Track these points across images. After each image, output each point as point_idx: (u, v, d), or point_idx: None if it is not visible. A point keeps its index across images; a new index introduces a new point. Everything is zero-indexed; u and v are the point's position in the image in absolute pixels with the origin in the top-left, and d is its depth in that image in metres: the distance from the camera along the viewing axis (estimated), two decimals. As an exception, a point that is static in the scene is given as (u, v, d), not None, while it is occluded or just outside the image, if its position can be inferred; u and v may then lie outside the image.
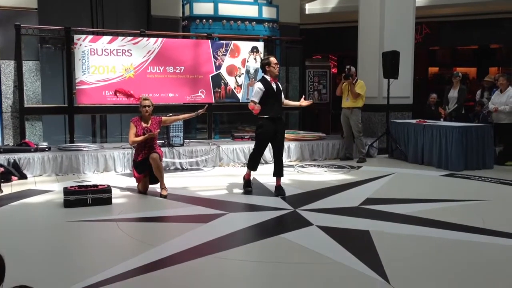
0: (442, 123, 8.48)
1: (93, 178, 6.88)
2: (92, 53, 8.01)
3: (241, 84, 9.13)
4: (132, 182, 6.27)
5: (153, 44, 8.40)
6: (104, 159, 7.37)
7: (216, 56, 8.87)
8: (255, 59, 9.16)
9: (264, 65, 5.88)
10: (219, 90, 8.97)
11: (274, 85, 5.82)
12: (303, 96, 6.57)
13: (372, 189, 6.19)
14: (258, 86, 5.78)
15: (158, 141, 6.19)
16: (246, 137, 8.77)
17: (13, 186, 6.37)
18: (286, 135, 6.72)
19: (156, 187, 5.95)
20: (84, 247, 4.13)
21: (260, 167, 6.18)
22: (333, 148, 8.84)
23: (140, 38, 8.41)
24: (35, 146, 7.40)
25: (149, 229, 4.68)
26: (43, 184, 6.52)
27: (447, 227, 4.48)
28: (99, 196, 5.33)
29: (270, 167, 6.21)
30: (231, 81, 9.04)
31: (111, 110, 8.56)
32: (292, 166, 7.94)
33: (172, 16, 10.03)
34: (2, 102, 8.14)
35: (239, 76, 9.11)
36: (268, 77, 5.82)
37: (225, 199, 5.72)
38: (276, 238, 4.22)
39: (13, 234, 4.39)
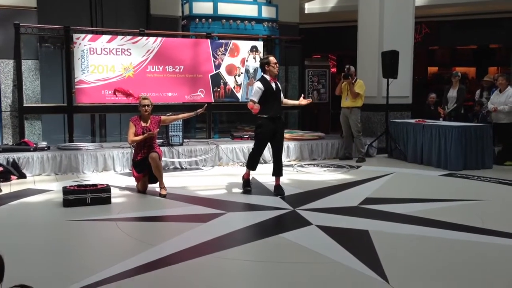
0: (441, 122, 8.48)
1: (92, 177, 6.87)
2: (92, 52, 8.00)
3: (241, 84, 9.13)
4: (131, 182, 6.27)
5: (152, 43, 8.40)
6: (103, 159, 7.37)
7: (216, 55, 8.87)
8: (254, 58, 9.16)
9: (264, 64, 5.88)
10: (219, 89, 8.97)
11: (273, 85, 5.83)
12: (302, 95, 6.57)
13: (371, 189, 6.19)
14: (258, 85, 5.78)
15: (157, 141, 6.19)
16: (245, 136, 8.77)
17: (12, 186, 6.37)
18: (286, 135, 6.72)
19: (155, 186, 5.95)
20: (83, 246, 4.12)
21: (259, 166, 6.18)
22: (333, 147, 8.84)
23: (140, 38, 8.41)
24: (34, 145, 7.40)
25: (148, 229, 4.68)
26: (42, 184, 6.52)
27: (446, 226, 4.49)
28: (98, 195, 5.32)
29: (270, 167, 6.21)
30: (230, 81, 9.04)
31: (111, 109, 8.55)
32: (291, 165, 7.94)
33: (172, 15, 10.03)
34: (1, 101, 8.14)
35: (239, 75, 9.11)
36: (267, 77, 5.82)
37: (224, 199, 5.72)
38: (275, 238, 4.22)
39: (12, 233, 4.39)
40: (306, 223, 4.63)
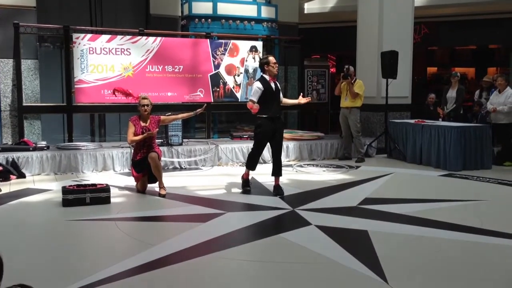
0: (441, 123, 8.49)
1: (91, 177, 6.87)
2: (91, 52, 8.00)
3: (240, 84, 9.13)
4: (131, 181, 6.27)
5: (152, 43, 8.39)
6: (102, 158, 7.37)
7: (215, 55, 8.87)
8: (254, 58, 9.17)
9: (263, 64, 5.88)
10: (218, 89, 8.97)
11: (273, 85, 5.83)
12: (301, 94, 6.58)
13: (371, 189, 6.20)
14: (257, 85, 5.78)
15: (156, 140, 6.19)
16: (244, 136, 8.78)
17: (12, 185, 6.37)
18: (285, 135, 6.73)
19: (154, 186, 5.95)
20: (83, 246, 4.13)
21: (258, 166, 6.18)
22: (332, 147, 8.85)
23: (139, 37, 8.40)
24: (34, 145, 7.40)
25: (147, 228, 4.68)
26: (41, 183, 6.52)
27: (445, 227, 4.49)
28: (98, 195, 5.32)
29: (269, 167, 6.22)
30: (230, 81, 9.05)
31: (110, 109, 8.55)
32: (290, 165, 7.95)
33: (171, 15, 10.03)
34: (1, 101, 8.14)
35: (238, 75, 9.11)
36: (267, 77, 5.82)
37: (224, 199, 5.72)
38: (275, 238, 4.22)
39: (11, 233, 4.39)
40: (305, 223, 4.63)
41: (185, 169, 7.72)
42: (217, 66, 8.91)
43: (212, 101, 8.85)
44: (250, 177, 6.14)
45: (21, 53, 8.06)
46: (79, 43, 7.94)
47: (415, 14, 9.67)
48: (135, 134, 5.85)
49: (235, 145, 8.21)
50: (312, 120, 11.07)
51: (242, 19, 9.94)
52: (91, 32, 8.44)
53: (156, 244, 4.00)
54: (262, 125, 5.77)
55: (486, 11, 11.87)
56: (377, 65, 9.14)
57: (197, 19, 9.72)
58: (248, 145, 7.27)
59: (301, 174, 7.37)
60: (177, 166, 7.76)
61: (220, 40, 9.05)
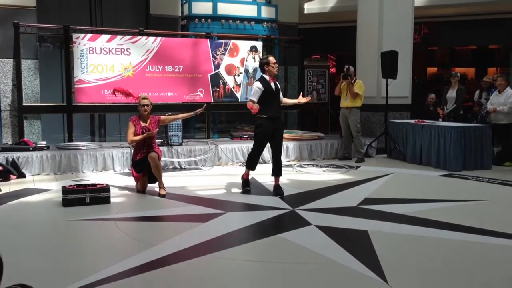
0: (441, 123, 8.49)
1: (91, 177, 6.87)
2: (91, 52, 8.00)
3: (240, 84, 9.13)
4: (131, 181, 6.27)
5: (152, 43, 8.40)
6: (102, 158, 7.37)
7: (215, 55, 8.87)
8: (253, 58, 9.17)
9: (263, 64, 5.88)
10: (218, 89, 8.97)
11: (273, 85, 5.83)
12: (301, 93, 6.58)
13: (371, 189, 6.20)
14: (257, 85, 5.79)
15: (156, 140, 6.19)
16: (244, 136, 8.78)
17: (12, 185, 6.37)
18: (285, 135, 6.73)
19: (154, 186, 5.95)
20: (83, 246, 4.13)
21: (258, 166, 6.18)
22: (332, 148, 8.85)
23: (139, 37, 8.40)
24: (34, 144, 7.40)
25: (147, 228, 4.68)
26: (41, 183, 6.52)
27: (445, 227, 4.49)
28: (98, 195, 5.32)
29: (269, 167, 6.22)
30: (230, 81, 9.05)
31: (110, 109, 8.55)
32: (290, 165, 7.95)
33: (171, 15, 10.04)
34: (1, 101, 8.14)
35: (238, 75, 9.11)
36: (267, 77, 5.82)
37: (224, 199, 5.72)
38: (275, 238, 4.22)
39: (11, 232, 4.39)
40: (305, 223, 4.63)
41: (185, 169, 7.72)
42: (217, 66, 8.91)
43: (212, 101, 8.86)
44: (250, 177, 6.14)
45: (21, 53, 8.06)
46: (79, 43, 7.94)
47: (415, 14, 9.67)
48: (135, 134, 5.85)
49: (235, 145, 8.21)
50: (312, 120, 11.07)
51: (242, 19, 9.95)
52: (91, 32, 8.45)
53: (156, 244, 4.00)
54: (262, 125, 5.77)
55: (486, 11, 11.87)
56: (377, 65, 9.14)
57: (197, 19, 9.72)
58: (248, 145, 7.28)
59: (301, 174, 7.37)
60: (177, 166, 7.76)
61: (220, 40, 9.05)
